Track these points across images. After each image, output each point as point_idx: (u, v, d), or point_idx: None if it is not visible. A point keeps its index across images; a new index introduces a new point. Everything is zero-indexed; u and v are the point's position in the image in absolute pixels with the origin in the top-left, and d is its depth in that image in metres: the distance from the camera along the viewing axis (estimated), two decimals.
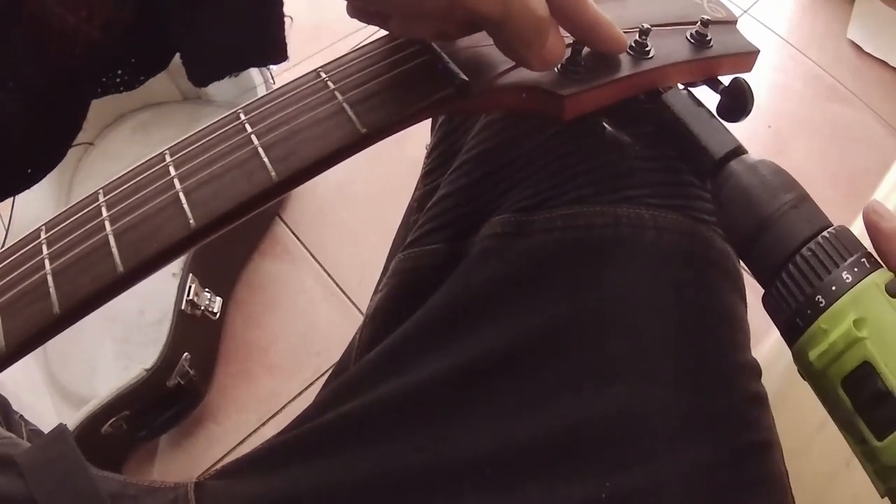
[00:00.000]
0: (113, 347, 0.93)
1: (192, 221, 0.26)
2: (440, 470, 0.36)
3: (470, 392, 0.37)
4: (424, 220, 0.44)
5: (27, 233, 0.27)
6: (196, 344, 0.89)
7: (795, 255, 0.29)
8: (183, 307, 0.86)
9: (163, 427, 0.88)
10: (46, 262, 0.25)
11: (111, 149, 1.10)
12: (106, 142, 1.11)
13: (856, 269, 0.28)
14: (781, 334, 0.30)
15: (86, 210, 0.27)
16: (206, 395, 0.93)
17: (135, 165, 0.28)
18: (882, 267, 0.28)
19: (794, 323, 0.29)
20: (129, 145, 1.10)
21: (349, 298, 1.02)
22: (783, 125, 1.21)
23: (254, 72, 0.96)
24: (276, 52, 0.30)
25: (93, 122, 1.10)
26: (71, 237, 0.26)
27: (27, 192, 1.03)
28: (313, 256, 1.06)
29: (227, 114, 0.29)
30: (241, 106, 0.29)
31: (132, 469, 0.90)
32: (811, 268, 0.28)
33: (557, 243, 0.38)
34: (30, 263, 0.26)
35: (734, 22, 0.38)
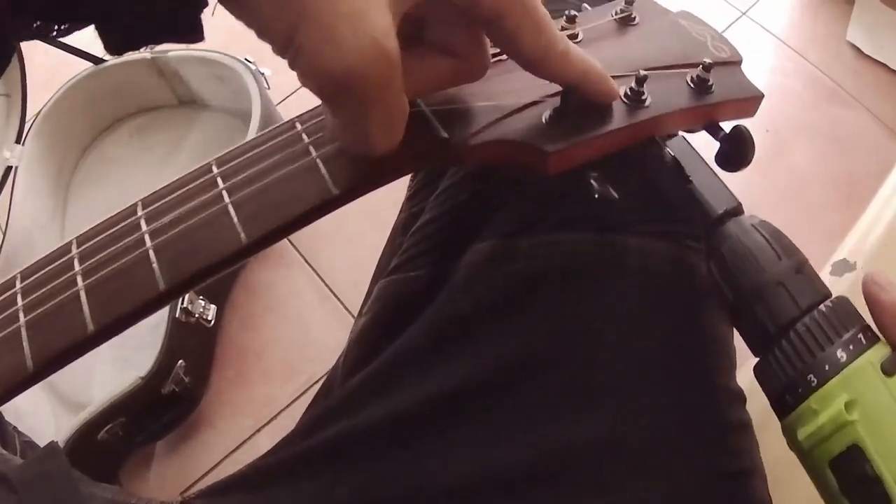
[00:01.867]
0: (109, 353, 0.93)
1: (161, 284, 0.25)
2: (421, 495, 0.36)
3: (452, 418, 0.37)
4: (409, 244, 0.44)
5: (3, 279, 0.27)
6: (191, 351, 0.90)
7: (790, 329, 0.28)
8: (177, 315, 0.87)
9: (159, 433, 0.89)
10: (21, 313, 0.25)
11: (108, 153, 1.11)
12: (103, 146, 1.11)
13: (851, 347, 0.27)
14: (771, 405, 0.29)
15: (60, 261, 0.27)
16: (201, 400, 0.93)
17: (109, 216, 0.28)
18: (879, 341, 0.28)
19: (784, 399, 0.28)
20: (125, 150, 1.11)
21: (343, 304, 1.02)
22: (782, 128, 1.21)
23: (248, 78, 0.96)
24: (189, 33, 0.26)
25: (89, 126, 1.10)
26: (44, 290, 0.26)
27: (24, 194, 1.02)
28: (307, 262, 1.06)
29: (200, 165, 0.29)
30: (215, 157, 0.28)
31: (128, 474, 0.90)
32: (804, 344, 0.27)
33: (541, 269, 0.38)
34: (5, 314, 0.25)
35: (738, 62, 0.35)
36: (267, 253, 1.07)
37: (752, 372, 0.55)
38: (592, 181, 0.32)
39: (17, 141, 0.99)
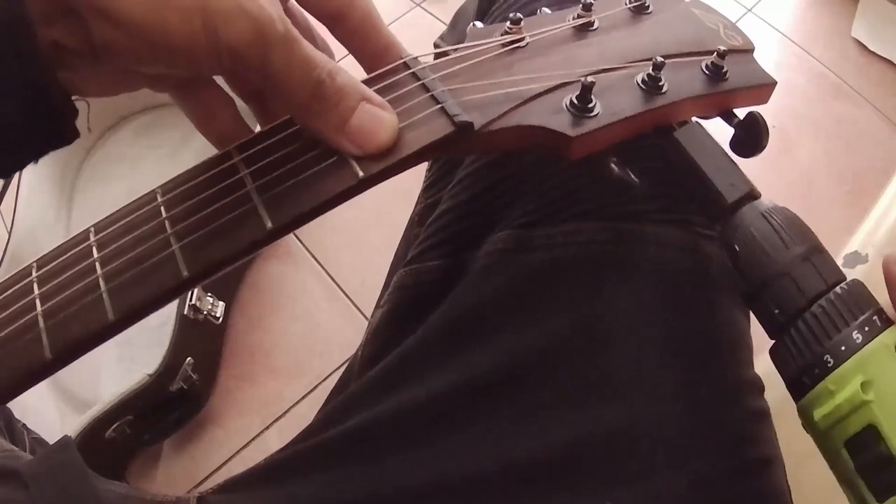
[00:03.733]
0: (116, 351, 0.93)
1: (184, 272, 0.25)
2: (439, 486, 0.36)
3: (470, 409, 0.37)
4: (425, 235, 0.44)
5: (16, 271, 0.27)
6: (199, 348, 0.90)
7: (805, 311, 0.28)
8: (185, 312, 0.87)
9: (166, 431, 0.88)
10: (38, 302, 0.25)
11: (113, 151, 1.11)
12: (108, 144, 1.11)
13: (866, 329, 0.27)
14: (787, 387, 0.30)
15: (77, 249, 0.26)
16: (209, 398, 0.93)
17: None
18: (894, 324, 0.28)
19: (801, 381, 0.28)
20: (131, 148, 1.10)
21: (351, 301, 1.02)
22: (788, 123, 1.21)
23: None
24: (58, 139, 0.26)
25: (95, 124, 1.10)
26: (61, 278, 0.25)
27: (30, 193, 1.02)
28: (315, 259, 1.06)
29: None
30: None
31: (136, 473, 0.90)
32: (821, 326, 0.28)
33: (559, 259, 0.38)
34: (21, 303, 0.25)
35: (751, 51, 0.36)
36: (274, 250, 1.07)
37: (769, 360, 0.55)
38: (613, 165, 0.33)
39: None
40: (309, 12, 0.32)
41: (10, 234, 0.97)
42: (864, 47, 1.30)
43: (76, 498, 0.38)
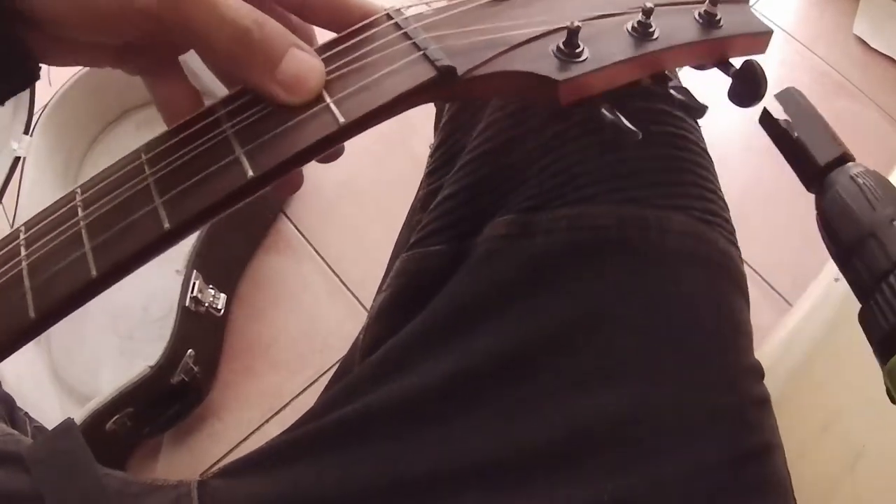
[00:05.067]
0: (117, 343, 0.93)
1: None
2: (442, 471, 0.36)
3: (473, 393, 0.37)
4: (428, 220, 0.44)
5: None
6: (200, 341, 0.90)
7: (891, 273, 0.28)
8: (187, 304, 0.87)
9: (166, 424, 0.88)
10: (24, 262, 0.25)
11: (115, 145, 1.11)
12: (110, 138, 1.11)
13: None
14: (874, 351, 0.29)
15: (63, 209, 0.27)
16: (209, 391, 0.93)
17: (113, 163, 0.28)
18: None
19: (890, 342, 0.28)
20: (133, 141, 1.09)
21: (353, 294, 1.02)
22: None
23: None
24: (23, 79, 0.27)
25: (97, 118, 1.10)
26: (47, 237, 0.25)
27: (32, 185, 1.02)
28: (317, 252, 1.06)
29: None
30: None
31: (136, 466, 0.90)
32: None
33: (561, 244, 0.38)
34: (8, 264, 0.25)
35: (746, 1, 0.36)
36: (276, 243, 1.07)
37: (769, 348, 0.55)
38: (605, 112, 0.32)
39: (25, 132, 0.99)
40: (280, 6, 0.32)
41: (11, 225, 0.97)
42: (866, 45, 1.30)
43: (79, 482, 0.38)
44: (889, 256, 0.28)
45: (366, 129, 0.27)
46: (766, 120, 0.33)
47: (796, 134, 0.32)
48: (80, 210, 0.26)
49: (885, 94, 1.24)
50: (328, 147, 0.27)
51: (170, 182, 0.26)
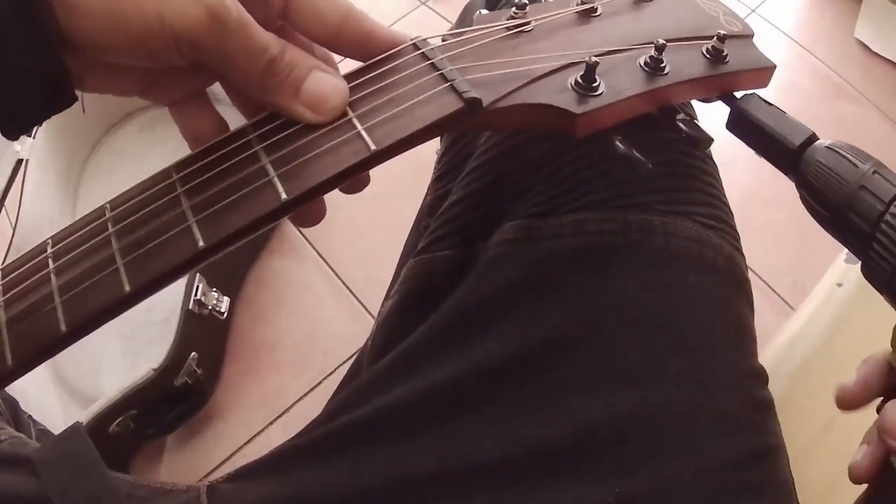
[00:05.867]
0: (120, 346, 0.93)
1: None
2: (450, 472, 0.36)
3: (480, 395, 0.37)
4: (436, 225, 0.44)
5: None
6: (203, 343, 0.90)
7: (885, 213, 0.30)
8: (190, 307, 0.87)
9: (170, 426, 0.88)
10: (53, 276, 0.25)
11: (118, 147, 1.11)
12: (113, 140, 1.11)
13: None
14: (886, 299, 0.31)
15: (93, 224, 0.27)
16: (213, 393, 0.93)
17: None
18: None
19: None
20: (136, 143, 1.11)
21: (356, 296, 1.02)
22: None
23: None
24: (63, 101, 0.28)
25: (100, 120, 1.10)
26: (76, 252, 0.26)
27: (35, 187, 1.02)
28: (320, 255, 1.07)
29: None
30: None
31: (139, 468, 0.90)
32: None
33: (567, 249, 0.38)
34: (36, 276, 0.26)
35: (750, 36, 0.37)
36: (279, 245, 1.07)
37: (771, 352, 0.55)
38: (618, 143, 0.34)
39: (28, 134, 0.99)
40: (308, 38, 0.32)
41: (14, 228, 0.97)
42: (867, 48, 1.30)
43: (89, 485, 0.38)
44: (881, 199, 0.30)
45: (394, 156, 0.28)
46: (737, 122, 0.36)
47: (770, 124, 0.34)
48: (110, 226, 0.27)
49: (886, 98, 1.25)
50: (359, 173, 0.28)
51: (203, 202, 0.27)
